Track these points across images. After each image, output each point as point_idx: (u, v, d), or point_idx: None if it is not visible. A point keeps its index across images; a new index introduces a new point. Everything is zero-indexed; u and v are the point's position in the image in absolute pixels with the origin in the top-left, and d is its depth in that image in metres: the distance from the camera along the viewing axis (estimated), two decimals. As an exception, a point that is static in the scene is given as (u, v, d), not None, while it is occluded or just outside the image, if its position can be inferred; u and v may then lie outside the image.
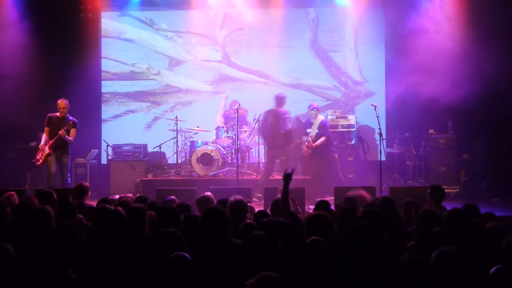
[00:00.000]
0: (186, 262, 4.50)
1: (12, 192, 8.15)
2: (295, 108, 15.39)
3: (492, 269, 4.32)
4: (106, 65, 15.86)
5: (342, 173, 13.33)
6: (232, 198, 6.87)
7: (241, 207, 6.39)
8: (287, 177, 6.62)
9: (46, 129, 11.90)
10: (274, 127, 12.49)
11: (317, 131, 13.00)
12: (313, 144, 13.02)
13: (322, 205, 7.09)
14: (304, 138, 13.18)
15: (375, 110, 11.36)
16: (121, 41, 15.91)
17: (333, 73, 15.62)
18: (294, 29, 15.79)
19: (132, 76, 15.95)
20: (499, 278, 4.24)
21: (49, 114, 11.92)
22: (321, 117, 13.23)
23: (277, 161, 12.77)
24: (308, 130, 13.19)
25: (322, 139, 12.89)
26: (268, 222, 5.37)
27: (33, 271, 4.64)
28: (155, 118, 15.73)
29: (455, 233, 5.16)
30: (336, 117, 13.94)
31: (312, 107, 13.42)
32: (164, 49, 15.97)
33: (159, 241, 5.03)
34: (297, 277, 4.37)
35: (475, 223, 5.63)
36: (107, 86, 15.89)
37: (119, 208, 6.32)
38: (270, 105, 14.89)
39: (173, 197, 8.08)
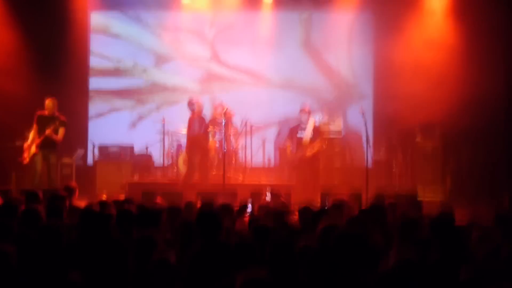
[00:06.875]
0: (169, 266, 4.56)
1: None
2: (285, 109, 15.54)
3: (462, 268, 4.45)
4: (91, 62, 16.50)
5: (328, 179, 13.41)
6: (218, 202, 7.01)
7: (226, 211, 6.56)
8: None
9: (35, 126, 12.16)
10: None
11: (311, 136, 12.78)
12: (312, 151, 12.74)
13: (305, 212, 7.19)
14: (288, 144, 13.03)
15: (363, 117, 11.47)
16: (107, 37, 16.54)
17: (325, 74, 15.95)
18: (285, 28, 16.45)
19: (117, 73, 16.57)
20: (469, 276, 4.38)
21: (38, 112, 12.25)
22: (313, 120, 13.05)
23: None
24: (300, 135, 12.92)
25: (319, 145, 12.72)
26: (257, 227, 5.53)
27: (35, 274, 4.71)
28: (140, 117, 15.87)
29: (439, 238, 5.27)
30: (323, 123, 13.95)
31: (304, 110, 13.37)
32: (151, 46, 16.57)
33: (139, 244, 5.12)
34: (285, 281, 4.49)
35: (457, 228, 5.79)
36: (91, 83, 16.57)
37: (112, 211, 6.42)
38: (260, 106, 15.05)
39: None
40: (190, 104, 13.79)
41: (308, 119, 13.36)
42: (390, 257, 5.26)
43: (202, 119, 13.60)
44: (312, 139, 13.09)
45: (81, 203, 8.71)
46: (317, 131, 13.24)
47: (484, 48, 14.07)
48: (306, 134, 13.18)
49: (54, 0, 15.52)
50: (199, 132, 13.44)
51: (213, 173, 13.62)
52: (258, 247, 5.14)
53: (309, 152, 13.02)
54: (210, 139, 14.08)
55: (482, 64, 13.87)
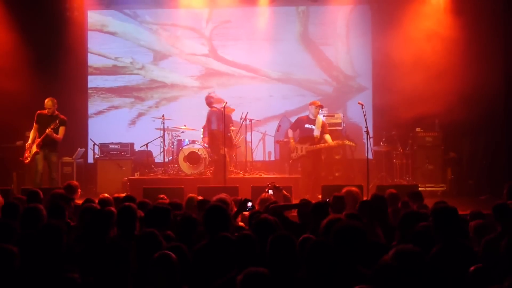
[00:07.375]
0: (171, 261, 4.57)
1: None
2: (284, 104, 15.51)
3: (472, 268, 4.45)
4: (89, 60, 16.54)
5: (329, 171, 13.41)
6: (214, 198, 7.04)
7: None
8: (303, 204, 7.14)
9: (35, 126, 12.31)
10: None
11: (320, 130, 12.77)
12: (323, 145, 12.85)
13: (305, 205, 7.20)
14: (290, 134, 12.95)
15: (362, 108, 11.47)
16: (104, 35, 16.64)
17: (324, 67, 15.98)
18: (283, 22, 16.55)
19: (115, 70, 16.73)
20: (478, 277, 4.38)
21: (38, 111, 12.34)
22: (321, 116, 13.04)
23: None
24: (308, 126, 12.82)
25: (330, 140, 12.68)
26: (258, 221, 5.55)
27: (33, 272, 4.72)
28: (139, 114, 16.02)
29: (442, 229, 5.28)
30: (323, 116, 13.92)
31: (316, 105, 13.34)
32: (149, 42, 16.68)
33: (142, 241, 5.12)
34: (286, 274, 4.51)
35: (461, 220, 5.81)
36: (89, 81, 16.63)
37: (112, 208, 6.42)
38: (259, 100, 15.02)
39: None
40: (209, 98, 13.70)
41: (317, 113, 13.28)
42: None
43: (221, 113, 13.38)
44: (321, 134, 13.01)
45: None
46: (324, 126, 13.16)
47: (483, 40, 14.14)
48: (316, 128, 13.06)
49: (52, 2, 15.59)
50: (219, 127, 13.32)
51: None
52: (259, 241, 5.16)
53: (319, 147, 13.00)
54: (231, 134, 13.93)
55: (481, 56, 13.93)
